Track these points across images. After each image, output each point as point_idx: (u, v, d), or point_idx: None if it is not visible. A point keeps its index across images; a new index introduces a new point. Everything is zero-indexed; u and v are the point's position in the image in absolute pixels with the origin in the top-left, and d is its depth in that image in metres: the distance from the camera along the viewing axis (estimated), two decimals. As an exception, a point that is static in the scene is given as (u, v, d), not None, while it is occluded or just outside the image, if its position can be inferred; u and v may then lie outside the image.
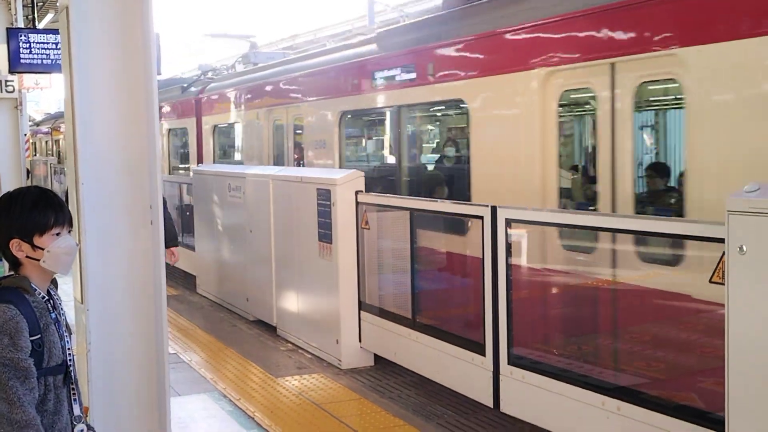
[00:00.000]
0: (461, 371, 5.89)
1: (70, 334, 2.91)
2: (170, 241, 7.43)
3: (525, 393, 5.26)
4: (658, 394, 4.62)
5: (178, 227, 13.01)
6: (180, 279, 12.44)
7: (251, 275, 9.25)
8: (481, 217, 5.56)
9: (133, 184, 3.61)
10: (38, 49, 11.71)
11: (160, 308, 3.60)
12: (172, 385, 6.92)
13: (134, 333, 3.59)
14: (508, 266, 5.38)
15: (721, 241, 3.75)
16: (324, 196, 7.44)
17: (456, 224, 6.75)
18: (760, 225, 3.57)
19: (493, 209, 5.46)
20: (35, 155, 31.28)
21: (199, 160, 13.94)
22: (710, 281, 3.99)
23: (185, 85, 15.60)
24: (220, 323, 9.38)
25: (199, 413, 6.18)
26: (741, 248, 3.63)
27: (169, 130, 15.88)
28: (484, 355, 5.59)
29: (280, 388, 6.79)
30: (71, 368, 2.82)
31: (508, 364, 5.39)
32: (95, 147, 3.53)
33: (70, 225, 2.82)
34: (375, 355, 7.35)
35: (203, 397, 6.59)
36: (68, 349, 2.82)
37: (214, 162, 13.55)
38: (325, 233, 7.45)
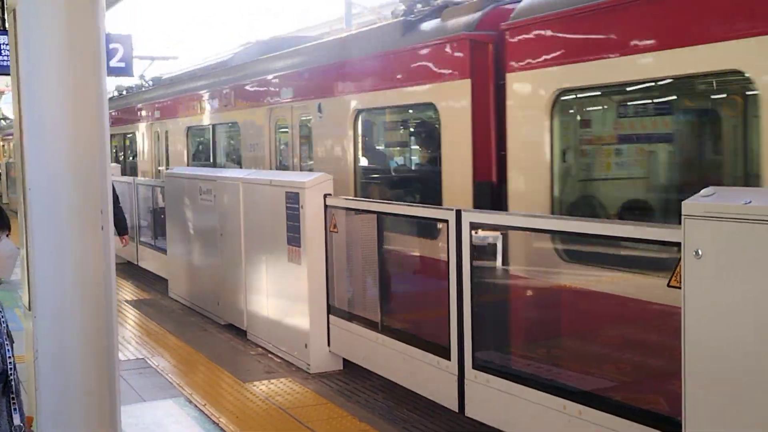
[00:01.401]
0: (427, 375, 5.86)
1: (12, 342, 2.85)
2: (122, 230, 9.93)
3: (489, 397, 5.25)
4: (620, 398, 4.62)
5: (152, 229, 12.94)
6: (152, 282, 12.35)
7: (222, 279, 9.18)
8: (446, 221, 5.55)
9: (83, 189, 3.55)
10: (8, 51, 11.58)
11: (110, 314, 3.55)
12: (138, 390, 6.87)
13: (84, 339, 3.53)
14: (473, 270, 5.37)
15: (678, 245, 3.75)
16: (293, 200, 7.39)
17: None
18: (716, 229, 3.56)
19: (458, 213, 5.44)
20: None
21: (484, 173, 6.38)
22: (668, 285, 4.00)
23: (410, 18, 7.67)
24: (190, 327, 9.30)
25: (164, 419, 6.11)
26: (697, 252, 3.63)
27: (359, 112, 8.14)
28: (449, 359, 5.57)
29: (247, 393, 6.74)
30: (12, 377, 2.77)
31: (473, 368, 5.37)
32: (44, 151, 3.47)
33: (9, 229, 2.79)
34: (344, 359, 7.31)
35: (169, 402, 6.52)
36: (8, 357, 2.76)
37: (572, 186, 5.96)
38: (294, 237, 7.41)
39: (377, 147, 8.33)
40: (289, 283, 7.61)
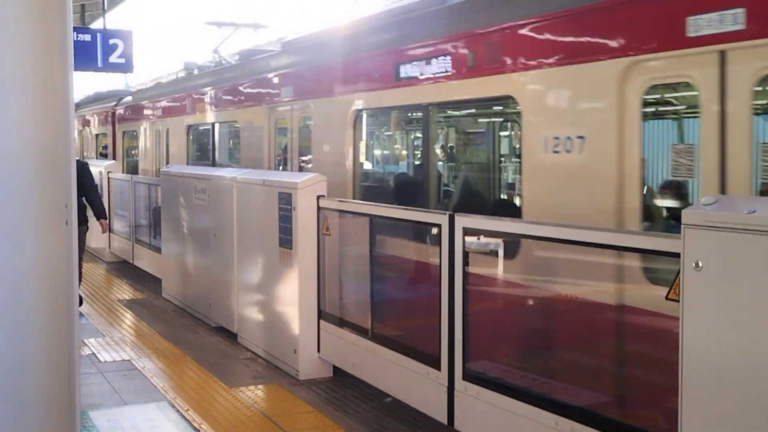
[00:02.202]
0: (416, 385, 5.65)
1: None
2: (100, 215, 10.28)
3: (479, 410, 5.03)
4: (614, 415, 4.40)
5: (148, 228, 12.74)
6: (147, 282, 12.16)
7: (214, 280, 8.99)
8: (439, 225, 5.35)
9: (47, 183, 3.35)
10: None
11: (72, 313, 3.36)
12: (120, 393, 6.68)
13: (44, 340, 3.33)
14: (465, 276, 5.16)
15: (678, 255, 3.54)
16: (285, 200, 7.20)
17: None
18: (717, 240, 3.36)
19: (451, 217, 5.24)
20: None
21: None
22: (667, 298, 3.78)
23: None
24: (181, 329, 9.10)
25: (142, 423, 5.91)
26: (697, 264, 3.42)
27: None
28: (439, 369, 5.36)
29: (232, 398, 6.53)
30: None
31: (463, 379, 5.16)
32: (5, 143, 3.27)
33: None
34: (334, 366, 7.10)
35: (151, 406, 6.32)
36: None
37: None
38: (286, 239, 7.21)
39: None
40: (279, 286, 7.41)
